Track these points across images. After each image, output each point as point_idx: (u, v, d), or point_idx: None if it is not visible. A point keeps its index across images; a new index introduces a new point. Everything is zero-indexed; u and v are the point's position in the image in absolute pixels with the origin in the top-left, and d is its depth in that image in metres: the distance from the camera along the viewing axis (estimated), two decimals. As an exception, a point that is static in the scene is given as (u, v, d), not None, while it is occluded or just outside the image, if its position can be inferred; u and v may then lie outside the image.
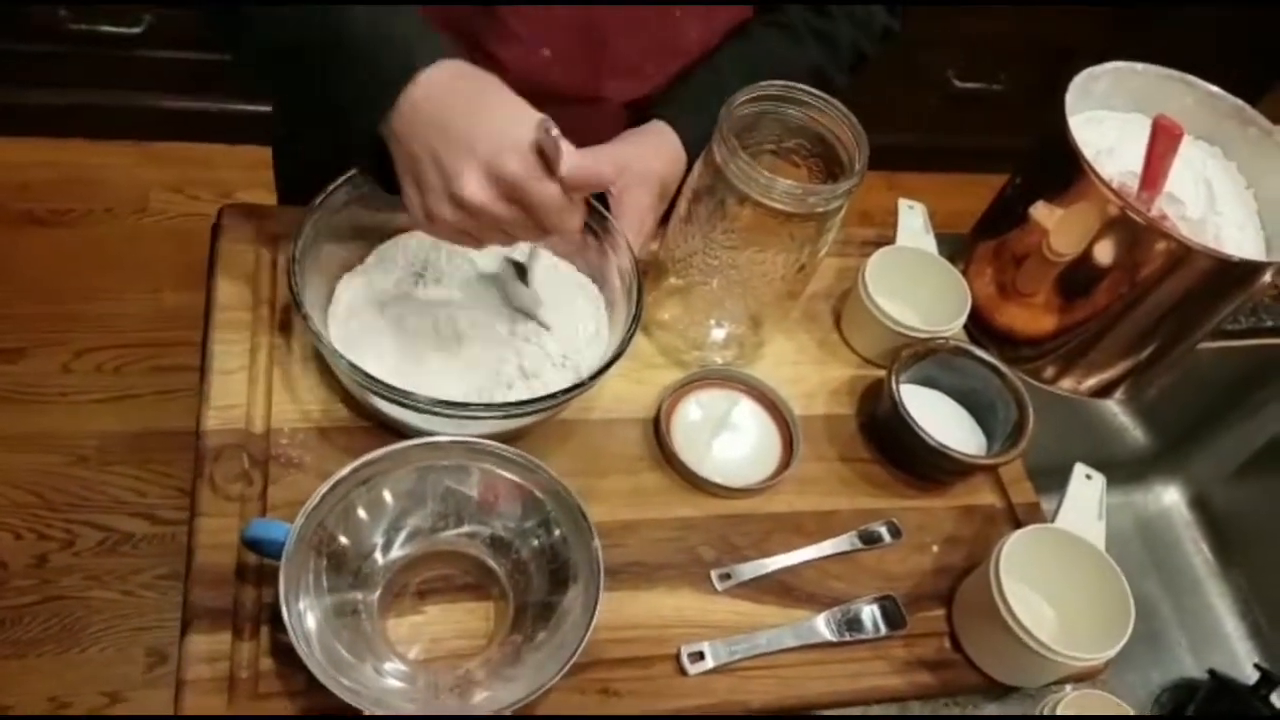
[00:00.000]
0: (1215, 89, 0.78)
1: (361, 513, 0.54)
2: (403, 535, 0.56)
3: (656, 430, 0.65)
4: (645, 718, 0.55)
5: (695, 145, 0.64)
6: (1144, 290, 0.69)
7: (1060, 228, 0.70)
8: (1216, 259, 0.66)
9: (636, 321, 0.60)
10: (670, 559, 0.61)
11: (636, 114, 0.70)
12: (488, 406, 0.56)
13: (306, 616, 0.50)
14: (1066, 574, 0.61)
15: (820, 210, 0.57)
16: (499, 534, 0.57)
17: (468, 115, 0.50)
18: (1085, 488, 0.64)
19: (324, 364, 0.62)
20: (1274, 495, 1.03)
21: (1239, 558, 1.05)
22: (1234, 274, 0.68)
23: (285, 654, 0.52)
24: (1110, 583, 0.60)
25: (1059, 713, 0.57)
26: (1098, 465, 1.05)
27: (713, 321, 0.70)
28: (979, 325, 0.77)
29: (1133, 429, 1.02)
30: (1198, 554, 1.07)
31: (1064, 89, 0.73)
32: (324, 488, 0.52)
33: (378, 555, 0.55)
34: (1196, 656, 0.98)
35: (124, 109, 1.87)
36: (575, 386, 0.57)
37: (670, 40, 0.69)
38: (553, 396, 0.56)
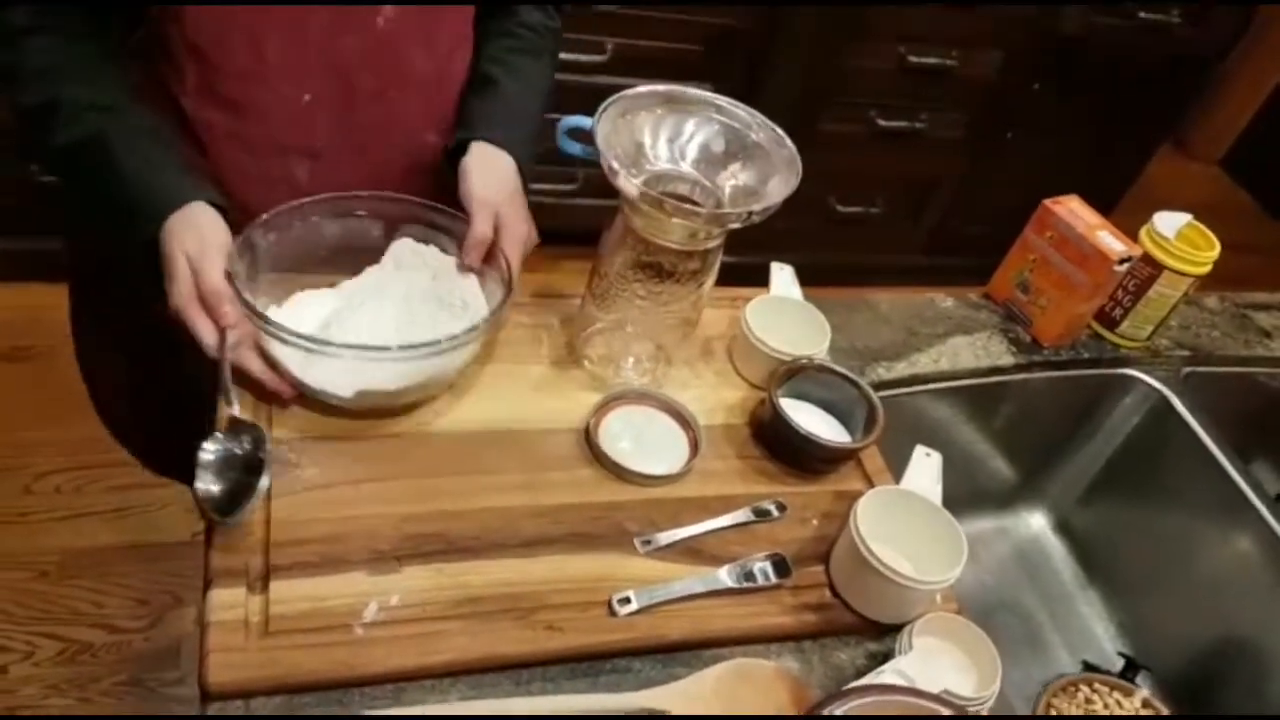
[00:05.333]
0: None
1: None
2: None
3: (587, 436, 0.80)
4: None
5: (526, 162, 0.85)
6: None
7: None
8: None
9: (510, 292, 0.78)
10: (601, 531, 0.75)
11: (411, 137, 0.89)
12: (400, 348, 0.71)
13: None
14: (911, 525, 0.77)
15: (703, 249, 0.75)
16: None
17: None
18: (925, 462, 0.81)
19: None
20: (1119, 511, 1.21)
21: (1100, 569, 1.22)
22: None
23: (286, 603, 0.65)
24: (947, 530, 0.76)
25: (915, 635, 0.72)
26: (974, 497, 1.23)
27: (631, 359, 0.87)
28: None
29: (997, 460, 1.20)
30: (1066, 570, 1.24)
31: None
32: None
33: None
34: (1071, 654, 1.13)
35: (85, 254, 2.01)
36: (471, 329, 0.73)
37: (404, 69, 0.86)
38: (454, 337, 0.73)
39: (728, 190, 0.76)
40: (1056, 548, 1.27)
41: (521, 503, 0.75)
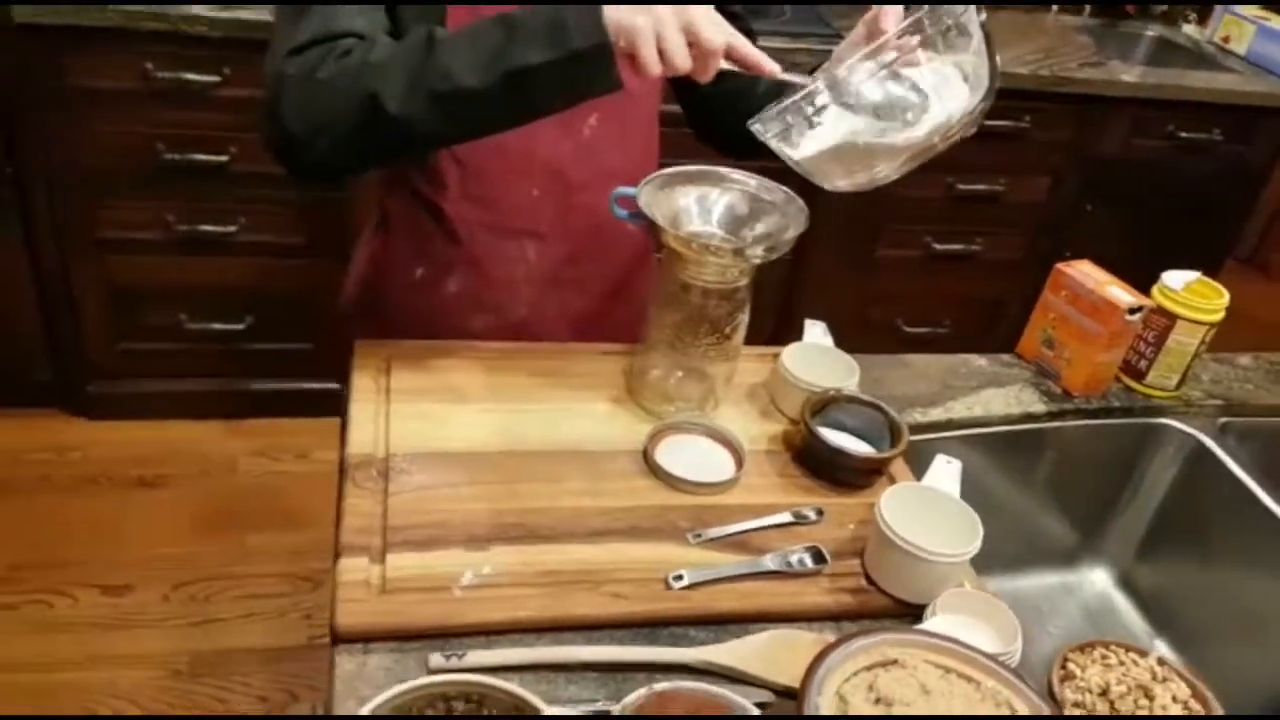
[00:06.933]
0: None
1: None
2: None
3: (645, 455, 0.94)
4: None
5: None
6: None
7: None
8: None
9: None
10: (658, 526, 0.88)
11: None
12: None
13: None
14: (932, 516, 0.86)
15: (733, 287, 0.91)
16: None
17: None
18: (946, 467, 0.91)
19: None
20: (1178, 562, 1.25)
21: (1167, 621, 1.25)
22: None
23: (400, 569, 0.79)
24: (965, 519, 0.85)
25: (940, 608, 0.81)
26: (1035, 555, 1.28)
27: (683, 402, 1.01)
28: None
29: (1049, 516, 1.26)
30: (1135, 624, 1.27)
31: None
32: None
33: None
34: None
35: (220, 392, 2.27)
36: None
37: (605, 165, 1.05)
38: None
39: (749, 240, 0.92)
40: (1122, 603, 1.31)
41: (589, 504, 0.88)
